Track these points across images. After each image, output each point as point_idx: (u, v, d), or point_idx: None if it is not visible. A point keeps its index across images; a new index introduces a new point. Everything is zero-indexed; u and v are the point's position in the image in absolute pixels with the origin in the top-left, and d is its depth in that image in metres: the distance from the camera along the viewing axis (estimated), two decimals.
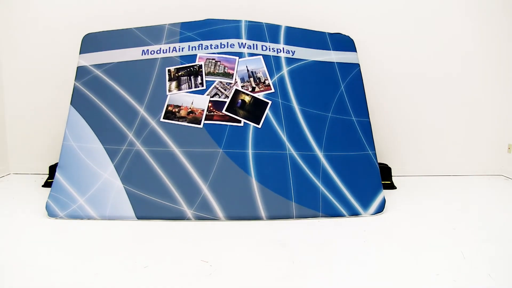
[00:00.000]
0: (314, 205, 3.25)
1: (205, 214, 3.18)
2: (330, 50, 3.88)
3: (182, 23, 3.85)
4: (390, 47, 4.36)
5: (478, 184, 4.27)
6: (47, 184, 4.01)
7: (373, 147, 3.56)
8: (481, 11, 4.28)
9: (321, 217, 3.20)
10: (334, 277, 2.23)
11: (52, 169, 4.03)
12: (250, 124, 3.50)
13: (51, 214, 3.22)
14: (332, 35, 3.96)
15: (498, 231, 2.94)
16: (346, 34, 3.97)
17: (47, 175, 4.20)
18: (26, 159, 4.62)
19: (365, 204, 3.28)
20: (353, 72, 3.83)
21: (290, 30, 3.89)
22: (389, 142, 4.44)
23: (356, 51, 3.93)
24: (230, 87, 3.61)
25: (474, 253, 2.56)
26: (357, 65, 3.87)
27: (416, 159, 4.54)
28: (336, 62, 3.84)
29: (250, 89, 3.60)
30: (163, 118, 3.55)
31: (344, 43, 3.95)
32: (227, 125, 3.49)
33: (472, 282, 2.21)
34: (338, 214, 3.22)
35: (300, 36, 3.89)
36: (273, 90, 3.60)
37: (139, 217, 3.17)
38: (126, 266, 2.36)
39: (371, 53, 4.30)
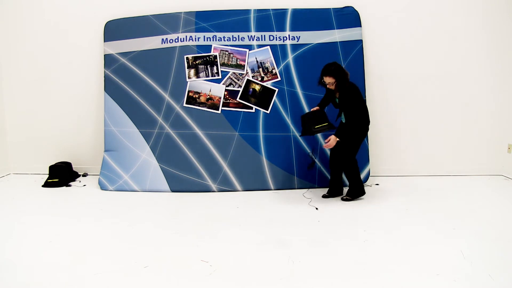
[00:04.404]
0: (312, 179, 4.08)
1: (226, 187, 4.01)
2: (334, 29, 4.20)
3: (197, 12, 4.20)
4: (391, 48, 4.38)
5: (478, 184, 4.23)
6: (47, 184, 4.15)
7: None
8: (482, 10, 4.30)
9: (317, 187, 4.06)
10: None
11: (52, 169, 4.24)
12: (260, 110, 4.13)
13: (103, 187, 4.04)
14: (337, 10, 4.23)
15: (498, 231, 2.93)
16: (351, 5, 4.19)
17: (47, 175, 4.27)
18: (26, 159, 4.66)
19: None
20: (355, 50, 4.20)
21: (296, 13, 4.21)
22: (389, 142, 4.48)
23: (360, 26, 4.22)
24: (242, 77, 4.14)
25: (474, 253, 2.55)
26: (360, 41, 4.22)
27: (416, 160, 4.51)
28: (339, 42, 4.21)
29: (259, 79, 4.15)
30: (186, 103, 4.16)
31: (349, 18, 4.22)
32: (241, 111, 4.12)
33: (472, 282, 2.21)
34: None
35: (305, 18, 4.21)
36: (279, 79, 4.15)
37: (173, 190, 4.00)
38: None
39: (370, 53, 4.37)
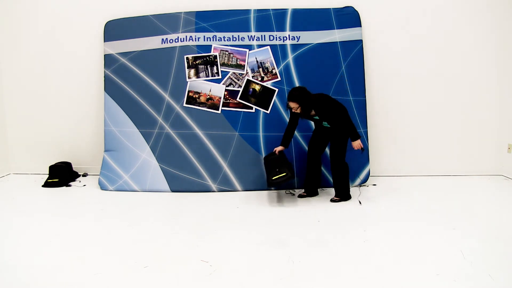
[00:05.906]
0: None
1: (226, 187, 4.01)
2: (334, 29, 4.19)
3: (197, 12, 4.20)
4: (391, 48, 4.37)
5: (478, 184, 4.23)
6: (47, 184, 4.17)
7: (365, 125, 4.20)
8: (482, 10, 4.29)
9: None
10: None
11: (52, 169, 4.27)
12: (260, 110, 4.13)
13: (103, 187, 4.04)
14: (337, 10, 4.22)
15: (498, 231, 2.93)
16: (351, 5, 4.18)
17: (47, 175, 4.29)
18: (26, 159, 4.68)
19: (352, 177, 4.09)
20: (355, 49, 4.19)
21: (296, 13, 4.20)
22: (389, 142, 4.49)
23: (360, 26, 4.21)
24: (243, 77, 4.14)
25: (474, 253, 2.55)
26: (360, 41, 4.21)
27: (416, 160, 4.50)
28: (339, 42, 4.20)
29: (259, 79, 4.15)
30: (186, 103, 4.16)
31: (349, 18, 4.21)
32: (241, 111, 4.12)
33: (472, 282, 2.22)
34: (330, 185, 4.06)
35: (305, 18, 4.21)
36: (279, 79, 4.14)
37: (173, 190, 4.00)
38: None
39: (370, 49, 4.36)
